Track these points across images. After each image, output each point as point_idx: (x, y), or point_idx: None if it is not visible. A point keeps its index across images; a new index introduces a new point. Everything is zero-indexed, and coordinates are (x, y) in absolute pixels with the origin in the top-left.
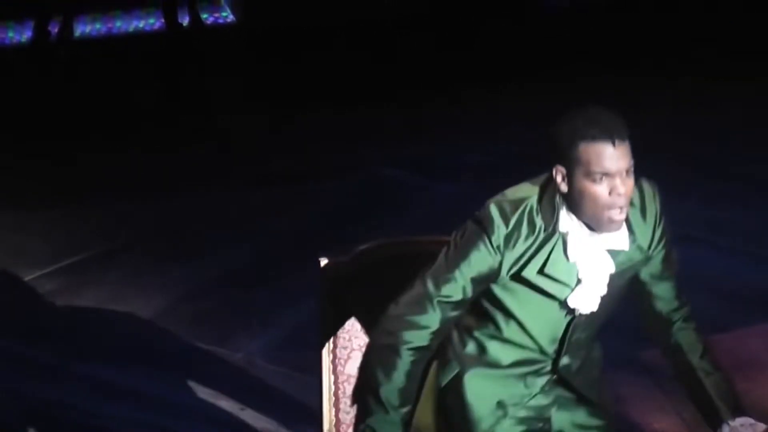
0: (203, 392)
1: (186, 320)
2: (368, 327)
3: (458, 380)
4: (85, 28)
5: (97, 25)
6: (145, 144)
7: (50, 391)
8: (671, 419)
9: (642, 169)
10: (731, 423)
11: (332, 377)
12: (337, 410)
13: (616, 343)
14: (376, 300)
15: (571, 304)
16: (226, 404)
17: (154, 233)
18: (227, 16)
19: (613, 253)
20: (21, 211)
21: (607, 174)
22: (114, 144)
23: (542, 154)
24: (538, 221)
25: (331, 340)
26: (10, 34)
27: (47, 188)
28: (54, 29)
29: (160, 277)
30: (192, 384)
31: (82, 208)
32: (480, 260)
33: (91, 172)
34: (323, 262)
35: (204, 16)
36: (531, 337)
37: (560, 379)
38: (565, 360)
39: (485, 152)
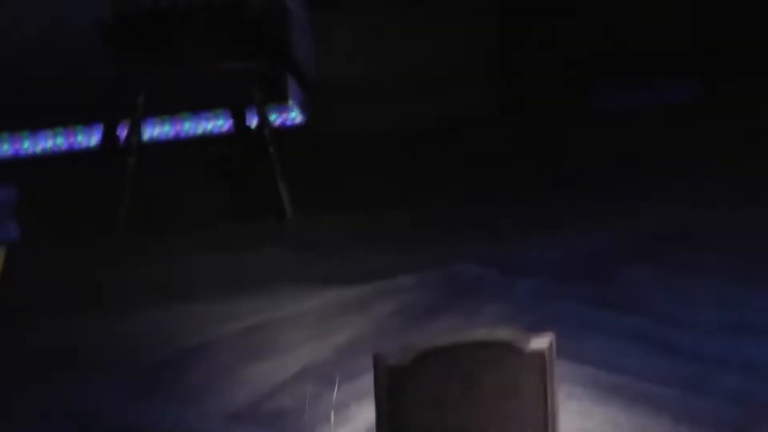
0: None
1: (264, 417)
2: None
3: None
4: (153, 131)
5: (166, 128)
6: (214, 245)
7: None
8: None
9: None
10: None
11: None
12: None
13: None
14: (432, 394)
15: None
16: None
17: (243, 329)
18: (296, 117)
19: None
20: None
21: None
22: (183, 244)
23: (614, 253)
24: None
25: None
26: (79, 139)
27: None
28: (122, 133)
29: (241, 374)
30: None
31: (154, 304)
32: None
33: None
34: (382, 357)
35: (273, 117)
36: None
37: None
38: None
39: (562, 250)
